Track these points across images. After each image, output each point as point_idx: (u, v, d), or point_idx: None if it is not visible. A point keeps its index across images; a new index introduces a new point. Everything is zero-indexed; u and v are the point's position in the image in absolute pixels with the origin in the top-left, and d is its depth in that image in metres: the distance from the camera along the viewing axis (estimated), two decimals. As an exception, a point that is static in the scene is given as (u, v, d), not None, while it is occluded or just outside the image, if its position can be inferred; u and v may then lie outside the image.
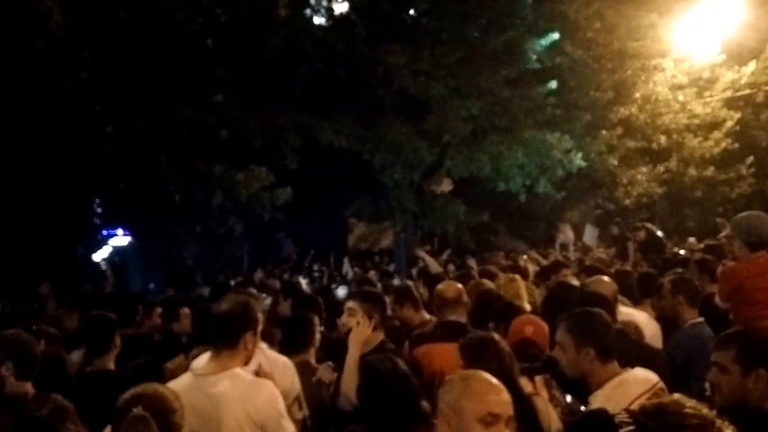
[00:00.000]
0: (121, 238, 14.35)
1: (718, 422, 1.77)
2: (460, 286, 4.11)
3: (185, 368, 3.60)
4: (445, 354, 3.50)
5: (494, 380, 2.17)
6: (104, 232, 14.48)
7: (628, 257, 10.18)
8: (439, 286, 4.14)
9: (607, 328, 2.87)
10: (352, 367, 3.30)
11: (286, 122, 10.99)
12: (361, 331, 3.41)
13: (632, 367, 2.85)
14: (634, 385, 2.71)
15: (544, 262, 8.89)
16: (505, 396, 2.13)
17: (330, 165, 12.48)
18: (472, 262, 9.17)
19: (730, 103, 16.82)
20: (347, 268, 13.27)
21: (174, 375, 3.73)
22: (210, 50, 10.50)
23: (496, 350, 2.86)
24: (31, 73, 8.50)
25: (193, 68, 10.10)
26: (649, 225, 10.90)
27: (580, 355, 2.78)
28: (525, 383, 2.94)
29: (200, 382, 2.65)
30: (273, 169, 10.79)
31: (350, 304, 3.57)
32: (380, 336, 3.51)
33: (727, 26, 14.23)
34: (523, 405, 2.67)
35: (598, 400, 2.68)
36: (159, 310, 5.66)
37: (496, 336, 3.02)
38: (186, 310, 5.58)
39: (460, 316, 3.92)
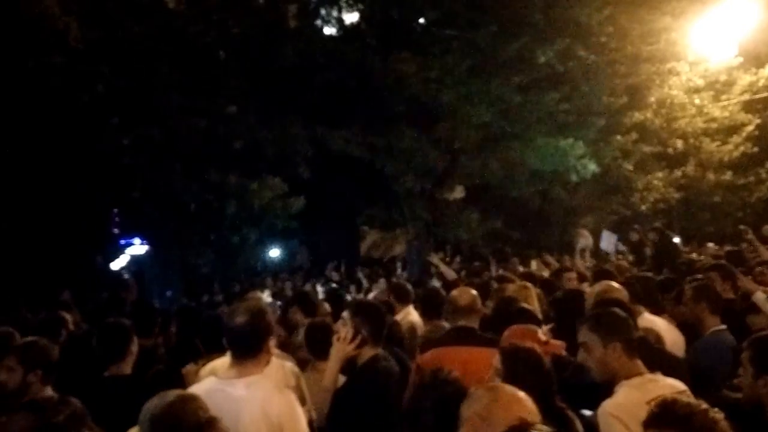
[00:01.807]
0: (138, 247, 14.60)
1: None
2: (474, 292, 4.05)
3: (195, 374, 3.70)
4: (454, 357, 3.51)
5: (521, 392, 2.17)
6: (122, 242, 14.75)
7: (644, 263, 10.12)
8: (453, 293, 4.08)
9: (628, 324, 2.90)
10: (328, 384, 3.25)
11: (298, 132, 11.13)
12: (340, 347, 3.30)
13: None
14: (659, 385, 2.72)
15: (557, 266, 8.89)
16: (532, 406, 2.12)
17: (342, 174, 12.56)
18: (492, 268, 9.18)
19: (747, 107, 16.64)
20: (361, 276, 13.34)
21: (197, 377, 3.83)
22: (223, 62, 10.68)
23: (539, 363, 2.80)
24: (50, 87, 8.72)
25: (207, 80, 10.29)
26: (662, 228, 10.76)
27: (608, 350, 2.81)
28: None
29: (223, 385, 2.71)
30: (286, 178, 10.94)
31: (344, 313, 3.54)
32: (371, 352, 3.32)
33: (743, 28, 14.08)
34: (559, 419, 2.64)
35: (623, 390, 2.73)
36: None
37: (538, 347, 2.96)
38: None
39: (472, 323, 3.88)
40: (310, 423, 3.18)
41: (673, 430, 1.95)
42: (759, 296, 4.52)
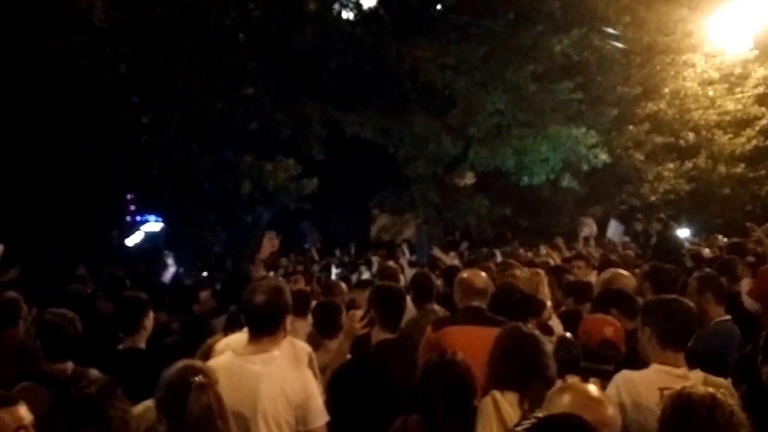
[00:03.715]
0: (153, 224, 14.88)
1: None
2: (485, 275, 4.08)
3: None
4: (464, 336, 3.59)
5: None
6: (137, 218, 15.04)
7: (646, 254, 10.20)
8: (465, 275, 4.05)
9: (673, 316, 2.87)
10: (337, 355, 3.39)
11: (313, 114, 11.24)
12: (348, 324, 3.42)
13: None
14: (686, 380, 2.65)
15: (567, 254, 8.97)
16: None
17: (355, 157, 12.70)
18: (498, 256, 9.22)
19: (761, 100, 16.56)
20: (373, 259, 13.49)
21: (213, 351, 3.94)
22: (241, 44, 10.79)
23: (537, 346, 2.82)
24: (74, 66, 8.88)
25: (226, 62, 10.40)
26: (665, 219, 10.80)
27: (642, 332, 2.92)
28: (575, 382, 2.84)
29: (240, 360, 2.73)
30: (300, 160, 11.06)
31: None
32: (382, 335, 3.37)
33: (759, 21, 14.00)
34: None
35: (647, 368, 2.79)
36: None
37: (538, 332, 2.99)
38: (205, 293, 5.94)
39: (483, 304, 3.92)
40: (324, 403, 3.35)
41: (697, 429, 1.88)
42: (745, 283, 4.59)
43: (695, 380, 2.66)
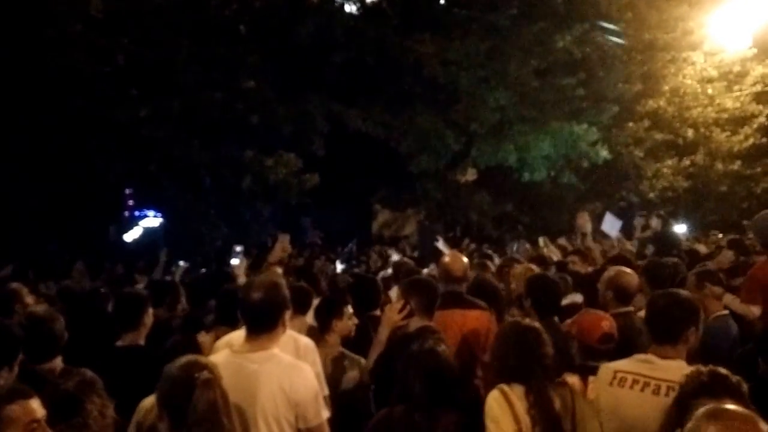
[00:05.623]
0: (151, 219, 14.77)
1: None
2: (465, 260, 4.22)
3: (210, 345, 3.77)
4: (453, 319, 3.74)
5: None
6: (136, 213, 14.92)
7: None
8: (447, 260, 4.17)
9: (649, 310, 2.95)
10: (376, 345, 3.48)
11: (316, 109, 11.18)
12: (387, 315, 3.52)
13: None
14: (638, 364, 2.78)
15: (571, 248, 8.96)
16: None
17: (357, 152, 12.64)
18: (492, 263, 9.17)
19: (759, 98, 16.59)
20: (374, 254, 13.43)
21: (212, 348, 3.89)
22: (243, 37, 10.70)
23: (538, 338, 2.83)
24: (70, 57, 8.75)
25: (226, 54, 10.29)
26: (665, 216, 10.79)
27: None
28: (575, 381, 2.94)
29: (238, 358, 2.69)
30: (301, 155, 11.00)
31: (390, 292, 3.70)
32: (420, 322, 3.48)
33: (758, 20, 14.01)
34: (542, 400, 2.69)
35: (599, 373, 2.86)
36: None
37: (537, 324, 2.99)
38: None
39: (461, 288, 4.09)
40: (325, 398, 3.31)
41: (727, 396, 2.08)
42: (728, 298, 4.55)
43: (672, 366, 2.71)
